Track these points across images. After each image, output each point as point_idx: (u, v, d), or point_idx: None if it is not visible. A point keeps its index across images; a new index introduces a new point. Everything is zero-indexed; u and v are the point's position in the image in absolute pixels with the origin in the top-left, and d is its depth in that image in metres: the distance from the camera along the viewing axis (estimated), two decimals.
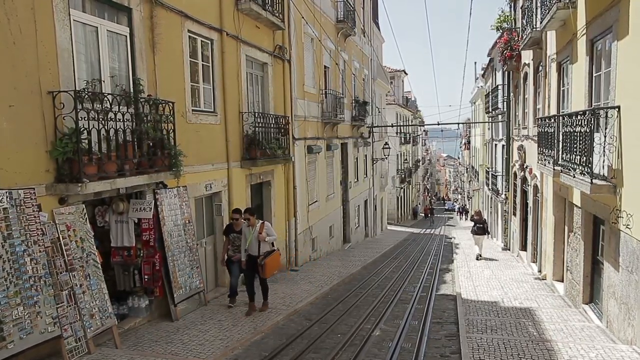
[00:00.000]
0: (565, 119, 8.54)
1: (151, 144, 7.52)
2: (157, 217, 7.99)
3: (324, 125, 17.44)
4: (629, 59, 6.82)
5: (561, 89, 11.15)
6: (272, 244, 9.07)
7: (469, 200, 48.00)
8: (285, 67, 13.65)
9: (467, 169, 51.61)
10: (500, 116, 22.28)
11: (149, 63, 7.97)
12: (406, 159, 45.90)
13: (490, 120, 26.09)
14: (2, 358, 5.21)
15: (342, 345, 7.38)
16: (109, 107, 6.50)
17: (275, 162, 12.39)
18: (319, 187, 16.98)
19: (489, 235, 23.78)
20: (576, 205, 9.56)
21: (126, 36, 7.58)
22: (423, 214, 54.25)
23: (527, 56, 15.36)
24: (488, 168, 28.04)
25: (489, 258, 17.86)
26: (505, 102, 20.45)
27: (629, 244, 6.72)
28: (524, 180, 16.37)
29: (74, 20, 6.51)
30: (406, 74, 42.90)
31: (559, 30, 10.85)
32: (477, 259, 17.42)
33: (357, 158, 23.58)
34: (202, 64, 9.81)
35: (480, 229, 17.75)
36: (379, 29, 32.22)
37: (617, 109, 7.09)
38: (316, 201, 16.58)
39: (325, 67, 17.80)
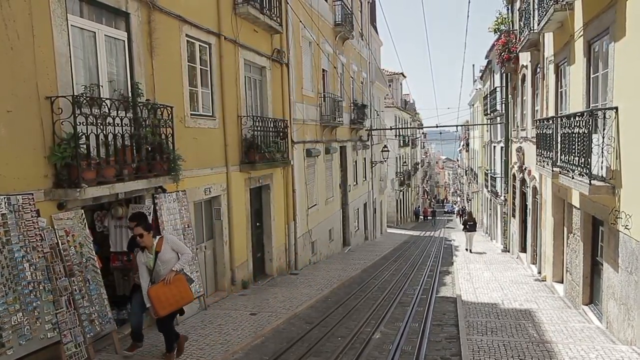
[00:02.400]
0: (564, 121, 8.56)
1: (150, 148, 7.52)
2: (156, 221, 7.97)
3: (323, 129, 17.46)
4: (627, 60, 6.84)
5: (559, 90, 11.17)
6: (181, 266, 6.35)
7: (468, 202, 48.02)
8: (284, 70, 13.67)
9: (466, 171, 51.66)
10: (498, 118, 22.31)
11: (147, 68, 7.98)
12: (405, 162, 45.93)
13: (488, 122, 26.13)
14: None
15: (343, 349, 7.36)
16: (107, 112, 6.51)
17: (274, 165, 12.40)
18: (318, 190, 16.98)
19: (488, 236, 25.17)
20: (575, 207, 9.57)
21: (124, 41, 7.59)
22: (422, 216, 54.33)
23: (524, 58, 15.40)
24: (487, 170, 28.06)
25: (479, 252, 20.75)
26: (503, 104, 20.48)
27: (628, 245, 6.72)
28: (523, 181, 16.39)
29: (71, 25, 6.52)
30: (404, 76, 42.98)
31: (556, 32, 10.88)
32: (468, 251, 20.90)
33: (356, 161, 23.59)
34: (201, 68, 9.83)
35: (472, 226, 21.29)
36: (377, 32, 32.30)
37: (614, 110, 7.11)
38: (315, 204, 16.58)
39: (323, 70, 17.83)
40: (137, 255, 6.30)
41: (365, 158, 25.96)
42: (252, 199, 12.04)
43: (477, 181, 36.45)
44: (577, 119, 7.72)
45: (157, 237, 6.35)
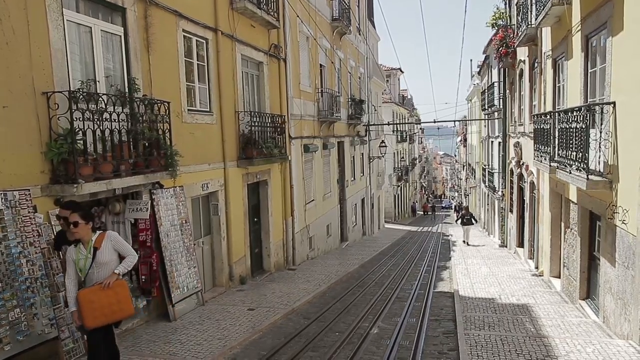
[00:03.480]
0: (561, 116, 8.56)
1: (147, 144, 7.51)
2: (153, 217, 7.98)
3: (321, 124, 17.43)
4: (624, 54, 6.83)
5: (557, 85, 11.17)
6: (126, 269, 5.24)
7: (466, 197, 48.14)
8: (281, 66, 13.63)
9: (463, 166, 51.72)
10: (496, 113, 22.32)
11: (143, 63, 7.94)
12: (403, 157, 45.95)
13: (486, 118, 26.13)
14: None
15: (340, 344, 7.38)
16: (104, 107, 6.48)
17: (271, 161, 12.38)
18: (315, 186, 16.97)
19: (486, 231, 25.65)
20: (572, 202, 9.58)
21: (120, 36, 7.56)
22: (421, 212, 54.62)
23: (522, 53, 15.38)
24: (485, 165, 28.09)
25: (475, 245, 21.78)
26: (501, 99, 20.48)
27: (625, 240, 6.74)
28: (521, 177, 16.40)
29: (67, 20, 6.48)
30: (402, 72, 42.90)
31: (554, 27, 10.86)
32: (464, 243, 22.16)
33: (353, 156, 23.58)
34: (198, 64, 9.79)
35: (468, 220, 22.49)
36: (375, 27, 32.20)
37: (612, 105, 7.11)
38: (313, 200, 16.57)
39: (321, 65, 17.79)
40: (68, 251, 5.12)
41: (362, 153, 25.94)
42: (250, 194, 12.03)
43: (474, 176, 36.49)
44: (574, 113, 7.72)
45: (97, 232, 5.21)
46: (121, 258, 5.22)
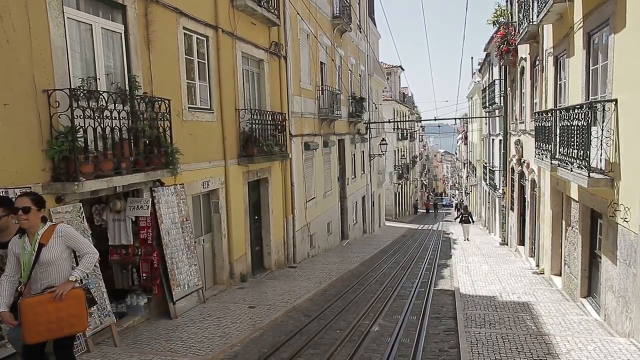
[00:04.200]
0: (563, 113, 8.55)
1: (147, 142, 7.50)
2: (154, 215, 7.97)
3: (321, 122, 17.41)
4: (626, 52, 6.82)
5: (558, 83, 11.15)
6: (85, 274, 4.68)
7: (466, 195, 48.14)
8: (282, 63, 13.61)
9: (464, 164, 51.69)
10: (497, 111, 22.29)
11: (144, 60, 7.93)
12: (403, 155, 45.93)
13: (487, 115, 26.10)
14: (1, 358, 5.19)
15: (341, 341, 7.38)
16: (104, 105, 6.48)
17: (272, 159, 12.37)
18: (316, 184, 16.96)
19: (487, 229, 25.88)
20: (574, 199, 9.57)
21: (121, 34, 7.54)
22: (423, 209, 54.98)
23: (523, 50, 15.36)
24: (485, 163, 28.07)
25: (475, 241, 22.89)
26: (502, 97, 20.45)
27: (627, 237, 6.73)
28: (522, 175, 16.39)
29: (67, 17, 6.47)
30: (402, 69, 42.84)
31: (556, 24, 10.84)
32: (466, 240, 23.20)
33: (354, 154, 23.57)
34: (198, 61, 9.78)
35: (467, 219, 23.60)
36: (375, 25, 32.16)
37: (614, 102, 7.09)
38: (314, 198, 16.57)
39: (321, 63, 17.75)
40: (11, 241, 4.37)
41: (363, 151, 25.93)
42: (250, 192, 12.03)
43: (475, 174, 36.47)
44: (576, 111, 7.71)
45: (47, 223, 4.41)
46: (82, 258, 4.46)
